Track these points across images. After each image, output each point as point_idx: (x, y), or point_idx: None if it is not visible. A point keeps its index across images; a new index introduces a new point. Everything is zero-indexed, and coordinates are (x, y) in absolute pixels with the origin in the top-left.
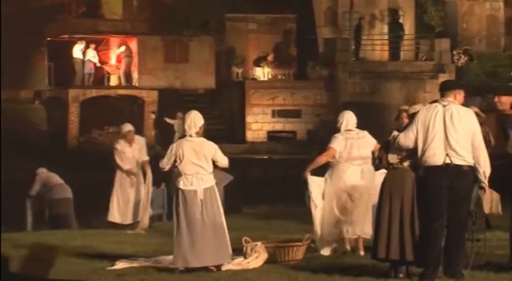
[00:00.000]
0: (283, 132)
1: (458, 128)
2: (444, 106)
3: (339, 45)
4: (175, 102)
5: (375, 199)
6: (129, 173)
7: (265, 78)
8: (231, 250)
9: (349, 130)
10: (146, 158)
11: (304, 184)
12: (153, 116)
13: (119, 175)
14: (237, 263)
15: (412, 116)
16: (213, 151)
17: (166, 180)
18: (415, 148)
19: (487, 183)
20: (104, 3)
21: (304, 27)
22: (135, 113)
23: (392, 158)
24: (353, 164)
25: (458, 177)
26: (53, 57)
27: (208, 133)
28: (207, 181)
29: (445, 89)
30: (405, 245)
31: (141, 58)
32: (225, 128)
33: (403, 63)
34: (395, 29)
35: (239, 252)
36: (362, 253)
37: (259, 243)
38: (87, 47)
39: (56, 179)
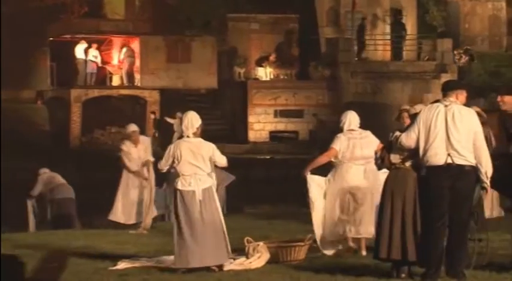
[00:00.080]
0: (285, 132)
1: (460, 128)
2: (446, 106)
3: (341, 45)
4: (177, 102)
5: (378, 198)
6: (138, 174)
7: (267, 78)
8: (230, 250)
9: (352, 130)
10: (151, 158)
11: (305, 183)
12: (152, 116)
13: (125, 175)
14: (239, 263)
15: (413, 116)
16: (210, 151)
17: (168, 180)
18: (417, 148)
19: (489, 183)
20: (106, 3)
21: (307, 27)
22: (137, 113)
23: (395, 158)
24: (356, 164)
25: (460, 177)
26: (55, 57)
27: (210, 133)
28: (205, 181)
29: (447, 89)
30: (407, 245)
31: (143, 58)
32: (227, 128)
33: (405, 63)
34: (398, 29)
35: (241, 252)
36: (364, 253)
37: (261, 243)
38: (89, 47)
39: (58, 179)
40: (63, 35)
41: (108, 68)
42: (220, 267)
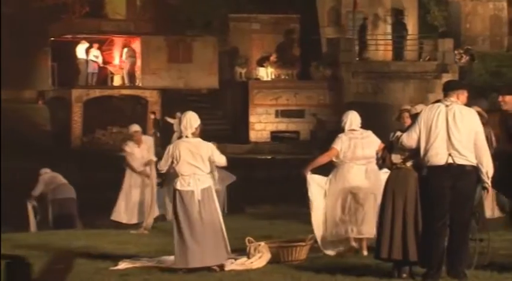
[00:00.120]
0: (286, 132)
1: (460, 128)
2: (447, 106)
3: (343, 45)
4: (178, 102)
5: (379, 198)
6: (142, 174)
7: (269, 79)
8: (229, 250)
9: (353, 130)
10: (154, 158)
11: (305, 182)
12: (152, 116)
13: (128, 175)
14: (241, 263)
15: (414, 117)
16: (209, 151)
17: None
18: (418, 148)
19: (490, 183)
20: (108, 3)
21: (308, 27)
22: (138, 113)
23: (396, 158)
24: (357, 164)
25: (461, 177)
26: (57, 57)
27: (211, 133)
28: (204, 181)
29: (448, 89)
30: (408, 245)
31: (144, 58)
32: (228, 128)
33: (407, 64)
34: (399, 29)
35: (242, 252)
36: (365, 253)
37: (262, 243)
38: (90, 47)
39: (60, 179)
40: (65, 35)
41: (110, 68)
42: (221, 267)
